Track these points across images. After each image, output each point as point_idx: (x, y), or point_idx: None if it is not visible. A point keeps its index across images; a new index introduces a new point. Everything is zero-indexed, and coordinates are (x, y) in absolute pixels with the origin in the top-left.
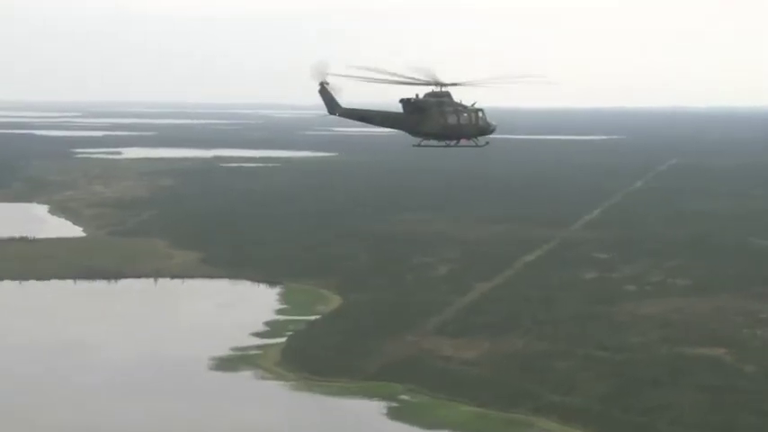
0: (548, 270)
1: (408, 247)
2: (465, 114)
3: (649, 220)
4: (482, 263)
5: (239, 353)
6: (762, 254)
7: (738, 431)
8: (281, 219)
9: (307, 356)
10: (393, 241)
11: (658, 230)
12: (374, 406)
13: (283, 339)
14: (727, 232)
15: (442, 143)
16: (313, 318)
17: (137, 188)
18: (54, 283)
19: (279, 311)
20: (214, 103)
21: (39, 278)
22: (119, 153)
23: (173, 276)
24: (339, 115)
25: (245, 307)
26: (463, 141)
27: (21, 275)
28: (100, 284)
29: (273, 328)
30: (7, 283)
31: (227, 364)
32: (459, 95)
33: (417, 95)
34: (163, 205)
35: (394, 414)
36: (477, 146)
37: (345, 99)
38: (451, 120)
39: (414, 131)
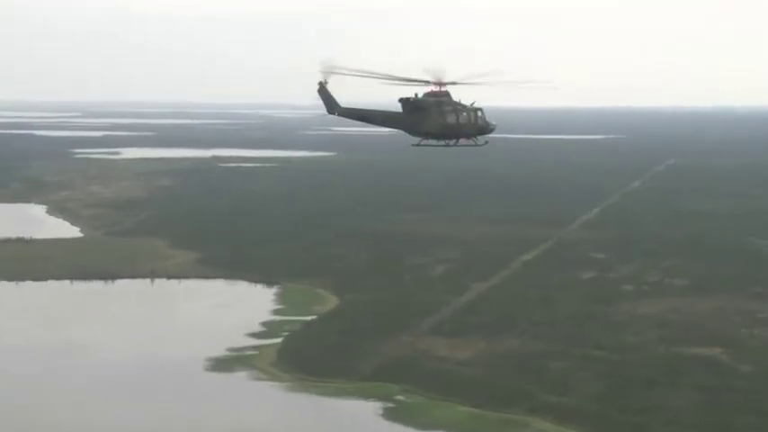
0: (545, 270)
1: (406, 247)
2: (464, 114)
3: (647, 219)
4: (479, 263)
5: (235, 353)
6: (760, 254)
7: (735, 431)
8: (279, 218)
9: (302, 357)
10: (391, 241)
11: (656, 230)
12: (369, 406)
13: (279, 340)
14: (726, 232)
15: (442, 143)
16: (309, 318)
17: (135, 188)
18: (50, 283)
19: (275, 312)
20: (214, 103)
21: (35, 279)
22: (117, 153)
23: (169, 277)
24: (338, 115)
25: (242, 307)
26: (462, 141)
27: (17, 276)
28: (96, 285)
29: (269, 329)
30: (4, 284)
31: (222, 364)
32: (458, 95)
33: (416, 95)
34: (161, 205)
35: (389, 415)
36: (476, 145)
37: (345, 99)
38: (451, 119)
39: (413, 131)
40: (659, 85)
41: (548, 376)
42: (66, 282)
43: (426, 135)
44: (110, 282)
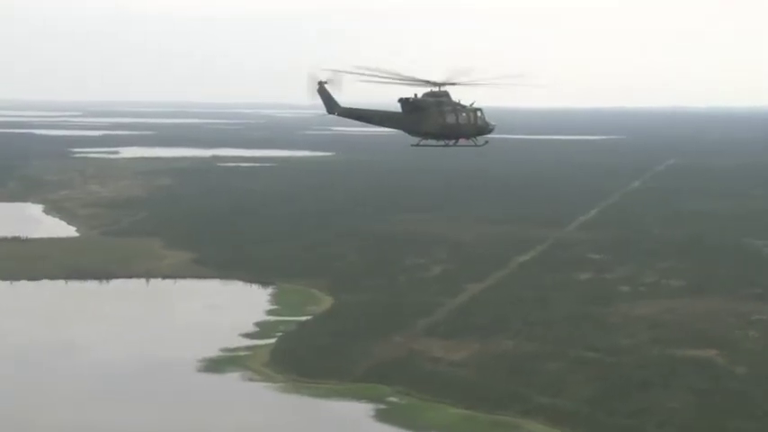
0: (541, 271)
1: (403, 248)
2: (464, 114)
3: (646, 220)
4: (476, 263)
5: (228, 354)
6: (758, 255)
7: None
8: (277, 218)
9: (295, 358)
10: (388, 241)
11: (655, 231)
12: (361, 408)
13: (273, 340)
14: (725, 233)
15: (441, 143)
16: (304, 319)
17: (133, 188)
18: (45, 283)
19: (269, 312)
20: (214, 103)
21: (30, 278)
22: (116, 153)
23: (164, 277)
24: (338, 115)
25: (236, 307)
26: (462, 141)
27: (12, 275)
28: (91, 285)
29: (263, 329)
30: None
31: (215, 365)
32: (457, 95)
33: (416, 95)
34: (158, 205)
35: (381, 416)
36: (475, 145)
37: (344, 99)
38: (450, 119)
39: (412, 131)
40: (659, 85)
41: (541, 378)
42: (61, 281)
43: (426, 135)
44: (104, 282)
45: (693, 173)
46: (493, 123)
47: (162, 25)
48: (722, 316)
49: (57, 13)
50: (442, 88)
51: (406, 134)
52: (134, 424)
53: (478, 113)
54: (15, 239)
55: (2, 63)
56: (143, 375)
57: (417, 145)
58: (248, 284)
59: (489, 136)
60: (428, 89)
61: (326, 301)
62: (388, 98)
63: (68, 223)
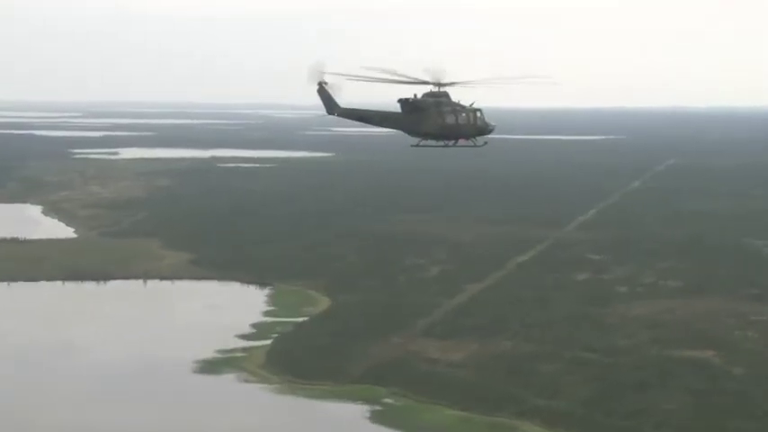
0: (540, 271)
1: (402, 248)
2: (463, 114)
3: (646, 220)
4: (475, 264)
5: (224, 355)
6: (757, 255)
7: None
8: (276, 219)
9: (292, 359)
10: (388, 242)
11: (654, 231)
12: (357, 409)
13: (269, 342)
14: (724, 233)
15: (441, 143)
16: (300, 320)
17: (132, 188)
18: (43, 284)
19: (266, 313)
20: (214, 103)
21: (28, 279)
22: (116, 153)
23: (162, 278)
24: (338, 115)
25: (233, 308)
26: (461, 141)
27: (10, 277)
28: (89, 286)
29: (260, 330)
30: None
31: (210, 366)
32: (457, 95)
33: (416, 95)
34: (158, 206)
35: (376, 418)
36: (475, 146)
37: (344, 99)
38: (450, 120)
39: (412, 131)
40: (659, 85)
41: (538, 379)
42: (59, 282)
43: (425, 135)
44: (102, 283)
45: (693, 173)
46: (493, 124)
47: (162, 25)
48: (721, 316)
49: (57, 14)
50: (442, 89)
51: (406, 135)
52: (129, 425)
53: (478, 114)
54: (14, 240)
55: (2, 63)
56: (138, 376)
57: (417, 145)
58: (246, 285)
59: (489, 136)
60: (428, 89)
61: (324, 302)
62: (387, 98)
63: (67, 224)
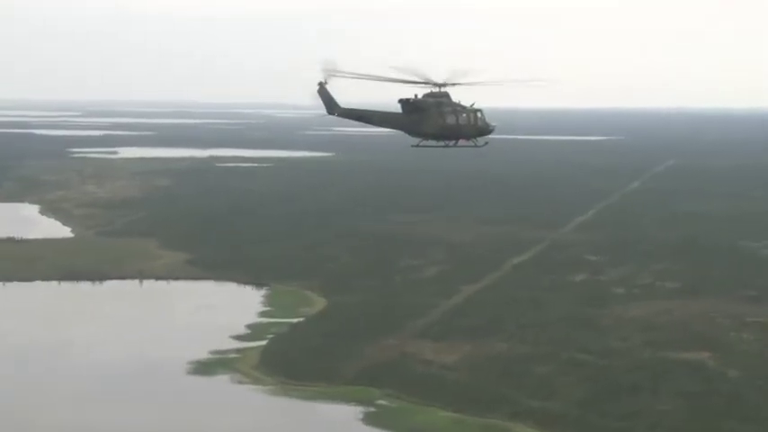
0: (536, 272)
1: (400, 249)
2: (464, 115)
3: (643, 221)
4: (471, 265)
5: (218, 356)
6: (753, 256)
7: None
8: (274, 219)
9: (286, 360)
10: (385, 242)
11: (651, 232)
12: (350, 411)
13: (263, 342)
14: (721, 234)
15: (441, 143)
16: (296, 320)
17: (130, 188)
18: (38, 284)
19: (262, 314)
20: (214, 103)
21: (22, 279)
22: (115, 153)
23: (158, 278)
24: (338, 115)
25: (228, 309)
26: (462, 141)
27: (4, 277)
28: (84, 286)
29: (254, 331)
30: None
31: (204, 367)
32: (457, 96)
33: (416, 96)
34: (155, 205)
35: (369, 419)
36: (476, 146)
37: (344, 99)
38: (450, 120)
39: (412, 132)
40: (659, 85)
41: (532, 380)
42: (54, 282)
43: (426, 136)
44: (97, 283)
45: (691, 174)
46: (493, 124)
47: (162, 25)
48: (717, 318)
49: (57, 13)
50: (443, 89)
51: (406, 135)
52: (120, 425)
53: (478, 114)
54: (10, 240)
55: (2, 63)
56: (131, 377)
57: (417, 146)
58: (242, 286)
59: (489, 137)
60: (428, 90)
61: (320, 303)
62: (387, 99)
63: (64, 224)
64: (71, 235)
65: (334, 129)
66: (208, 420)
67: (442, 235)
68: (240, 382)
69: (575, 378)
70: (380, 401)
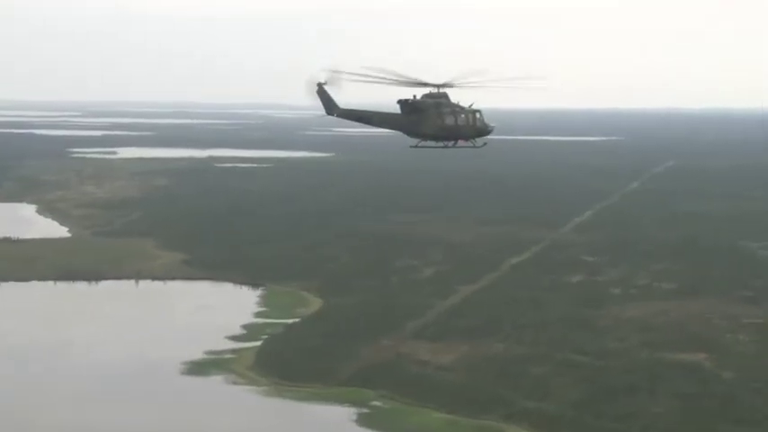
0: (534, 273)
1: (398, 249)
2: (463, 115)
3: (642, 221)
4: (469, 265)
5: (213, 356)
6: (751, 256)
7: None
8: (273, 219)
9: (281, 361)
10: (383, 242)
11: (650, 232)
12: (344, 412)
13: (259, 343)
14: (719, 234)
15: (440, 144)
16: (291, 321)
17: (129, 188)
18: (34, 284)
19: (258, 314)
20: (214, 103)
21: (19, 279)
22: (114, 153)
23: (154, 278)
24: (337, 116)
25: (225, 309)
26: (461, 142)
27: (1, 277)
28: (80, 286)
29: (250, 332)
30: None
31: (198, 368)
32: (456, 96)
33: (415, 96)
34: (153, 205)
35: (363, 420)
36: (475, 147)
37: (343, 99)
38: (449, 121)
39: (411, 132)
40: (658, 85)
41: (527, 381)
42: (51, 283)
43: (425, 136)
44: (94, 283)
45: (691, 174)
46: (492, 125)
47: (162, 25)
48: (713, 319)
49: (57, 13)
50: (441, 90)
51: (405, 135)
52: (116, 425)
53: (477, 115)
54: (7, 240)
55: (2, 63)
56: (126, 377)
57: (416, 146)
58: (239, 286)
59: (488, 137)
60: (427, 90)
61: (316, 303)
62: (387, 99)
63: (61, 224)
64: (69, 235)
65: (334, 129)
66: (202, 421)
67: (441, 235)
68: (235, 383)
69: (570, 379)
70: (375, 402)
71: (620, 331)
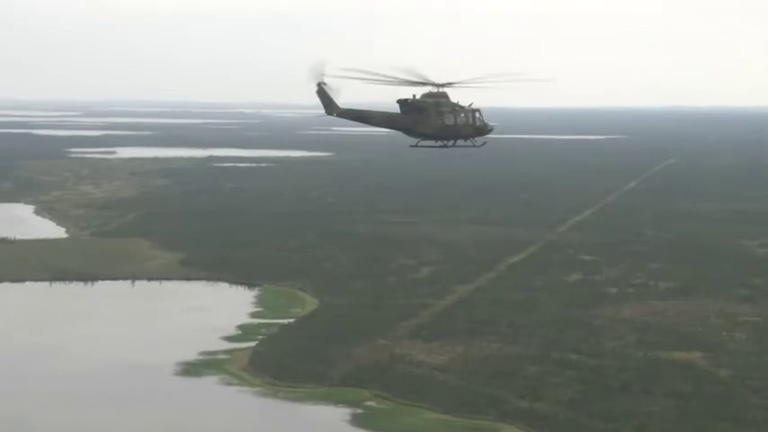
0: (531, 273)
1: (394, 249)
2: (462, 115)
3: (639, 221)
4: (465, 265)
5: (207, 357)
6: (748, 255)
7: None
8: (268, 219)
9: (275, 361)
10: (379, 242)
11: (648, 232)
12: (337, 412)
13: (253, 343)
14: (717, 234)
15: (439, 143)
16: (286, 321)
17: (126, 188)
18: (29, 285)
19: (253, 314)
20: (214, 103)
21: (14, 280)
22: (113, 153)
23: (150, 278)
24: (336, 115)
25: (219, 309)
26: (460, 141)
27: None
28: (75, 287)
29: (244, 332)
30: None
31: (192, 368)
32: (456, 96)
33: (414, 96)
34: (151, 206)
35: (356, 420)
36: (474, 146)
37: (343, 99)
38: (449, 120)
39: (411, 132)
40: (659, 85)
41: (522, 381)
42: (46, 283)
43: (424, 136)
44: (90, 283)
45: (691, 173)
46: (491, 124)
47: (162, 24)
48: (709, 317)
49: (57, 11)
50: (441, 89)
51: (405, 135)
52: (106, 426)
53: (477, 114)
54: (2, 240)
55: (2, 62)
56: (117, 379)
57: (416, 146)
58: (234, 286)
59: (488, 136)
60: (427, 90)
61: (311, 303)
62: (386, 98)
63: (58, 224)
64: (65, 235)
65: (334, 129)
66: (194, 422)
67: (437, 235)
68: (228, 384)
69: (565, 379)
70: (369, 403)
71: (616, 330)
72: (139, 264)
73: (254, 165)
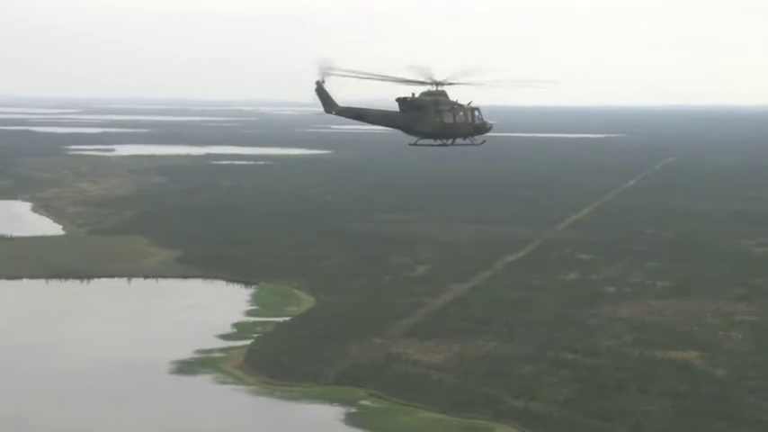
0: (528, 271)
1: (391, 247)
2: (461, 113)
3: (639, 219)
4: (462, 264)
5: (201, 355)
6: (746, 255)
7: None
8: (266, 217)
9: (270, 359)
10: (376, 241)
11: (646, 230)
12: (332, 411)
13: (248, 342)
14: (716, 233)
15: (438, 142)
16: (282, 319)
17: (124, 186)
18: (25, 282)
19: (248, 312)
20: (213, 101)
21: (9, 278)
22: (112, 150)
23: (147, 276)
24: (336, 113)
25: (215, 308)
26: (460, 140)
27: None
28: (72, 284)
29: (240, 330)
30: None
31: (186, 367)
32: (455, 94)
33: (414, 94)
34: (149, 203)
35: (350, 419)
36: (473, 144)
37: (342, 97)
38: (448, 119)
39: (410, 130)
40: (658, 84)
41: (517, 380)
42: (42, 280)
43: (423, 134)
44: (86, 281)
45: (690, 172)
46: (491, 122)
47: (162, 24)
48: (706, 316)
49: (56, 9)
50: (440, 87)
51: (404, 133)
52: (100, 424)
53: (476, 112)
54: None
55: (2, 61)
56: (111, 378)
57: (415, 144)
58: (230, 284)
59: (487, 135)
60: (426, 88)
61: (308, 302)
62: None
63: (55, 221)
64: (62, 233)
65: (333, 127)
66: (188, 420)
67: (435, 234)
68: (223, 382)
69: (561, 378)
70: (364, 402)
71: (613, 330)
72: (136, 261)
73: (251, 163)
